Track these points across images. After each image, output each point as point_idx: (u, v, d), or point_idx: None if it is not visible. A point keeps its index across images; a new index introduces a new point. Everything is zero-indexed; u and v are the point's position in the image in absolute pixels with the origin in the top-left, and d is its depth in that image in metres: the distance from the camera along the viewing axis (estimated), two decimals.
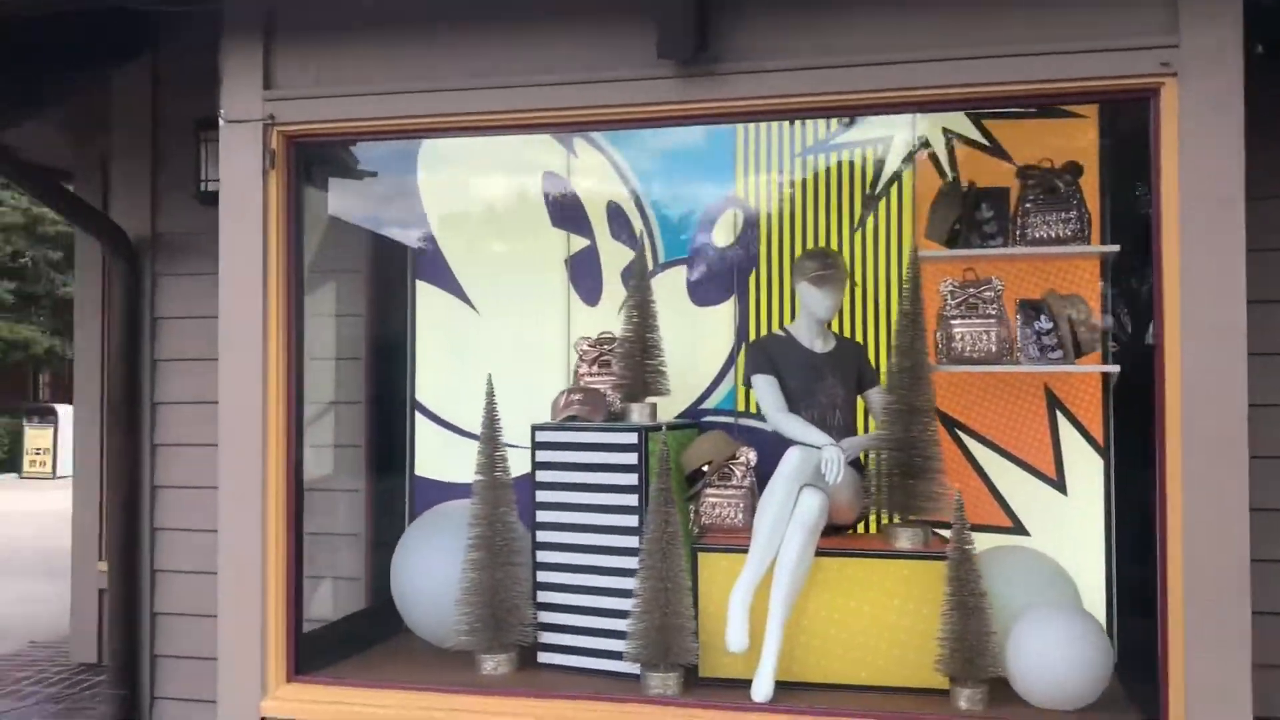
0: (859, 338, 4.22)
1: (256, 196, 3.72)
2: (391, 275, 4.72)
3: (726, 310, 4.37)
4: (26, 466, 17.97)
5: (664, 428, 3.78)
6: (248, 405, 3.73)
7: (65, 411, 18.31)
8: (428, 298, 4.62)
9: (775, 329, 4.22)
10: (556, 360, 4.47)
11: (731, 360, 4.34)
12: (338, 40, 3.71)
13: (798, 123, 4.26)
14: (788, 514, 3.56)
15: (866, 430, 4.09)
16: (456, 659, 3.95)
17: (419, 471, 4.60)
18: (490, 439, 3.90)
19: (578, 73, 3.46)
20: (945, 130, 4.16)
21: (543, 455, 3.91)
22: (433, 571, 4.04)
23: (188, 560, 4.99)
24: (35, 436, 18.05)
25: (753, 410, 4.26)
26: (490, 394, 3.89)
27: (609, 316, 4.39)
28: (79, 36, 4.70)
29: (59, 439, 18.10)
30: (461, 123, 3.63)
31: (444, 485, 4.52)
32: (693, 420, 4.24)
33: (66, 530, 12.62)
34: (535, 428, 3.93)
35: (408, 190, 4.60)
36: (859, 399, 4.04)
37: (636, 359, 3.94)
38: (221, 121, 3.75)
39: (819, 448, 3.62)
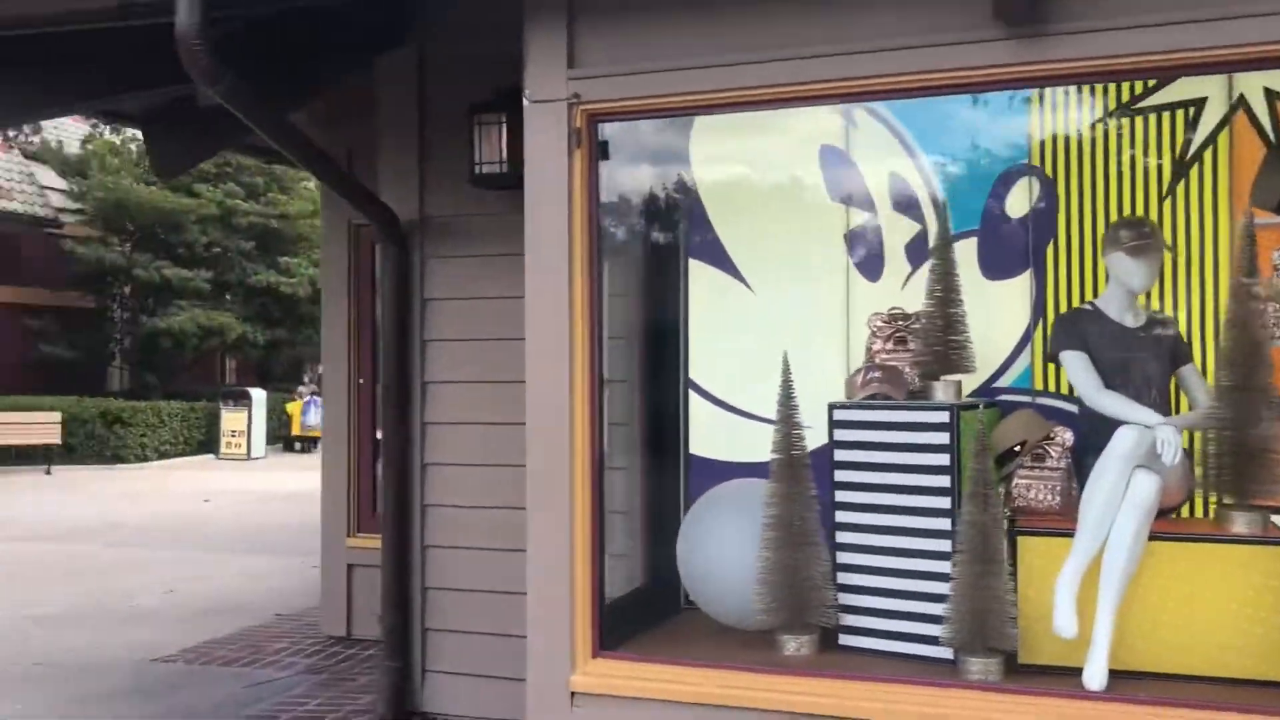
0: (1168, 311, 4.01)
1: (562, 176, 3.74)
2: (662, 253, 4.71)
3: (1021, 284, 4.21)
4: (223, 448, 18.85)
5: (980, 406, 3.66)
6: (554, 385, 3.75)
7: (258, 395, 19.17)
8: (700, 275, 4.59)
9: (1079, 303, 4.05)
10: (835, 337, 4.39)
11: (1028, 336, 4.19)
12: (639, 18, 3.69)
13: (1098, 86, 4.06)
14: (1119, 496, 3.40)
15: (1177, 410, 3.88)
16: (751, 639, 3.92)
17: (693, 450, 4.58)
18: (787, 417, 3.85)
19: (903, 38, 3.35)
20: (1267, 90, 3.91)
21: (842, 434, 3.84)
22: (725, 550, 4.01)
23: (457, 536, 5.09)
24: (231, 419, 18.91)
25: (1051, 388, 4.10)
26: (786, 371, 3.84)
27: (892, 291, 4.28)
28: (349, 29, 4.83)
29: (252, 421, 18.94)
30: (768, 95, 3.56)
31: (719, 464, 4.49)
32: (989, 399, 4.10)
33: (267, 508, 13.21)
34: (833, 406, 3.86)
35: (680, 166, 4.58)
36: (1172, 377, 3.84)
37: (938, 334, 3.83)
38: (526, 102, 3.77)
39: (1149, 427, 3.45)
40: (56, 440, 16.62)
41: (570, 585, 3.72)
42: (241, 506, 13.37)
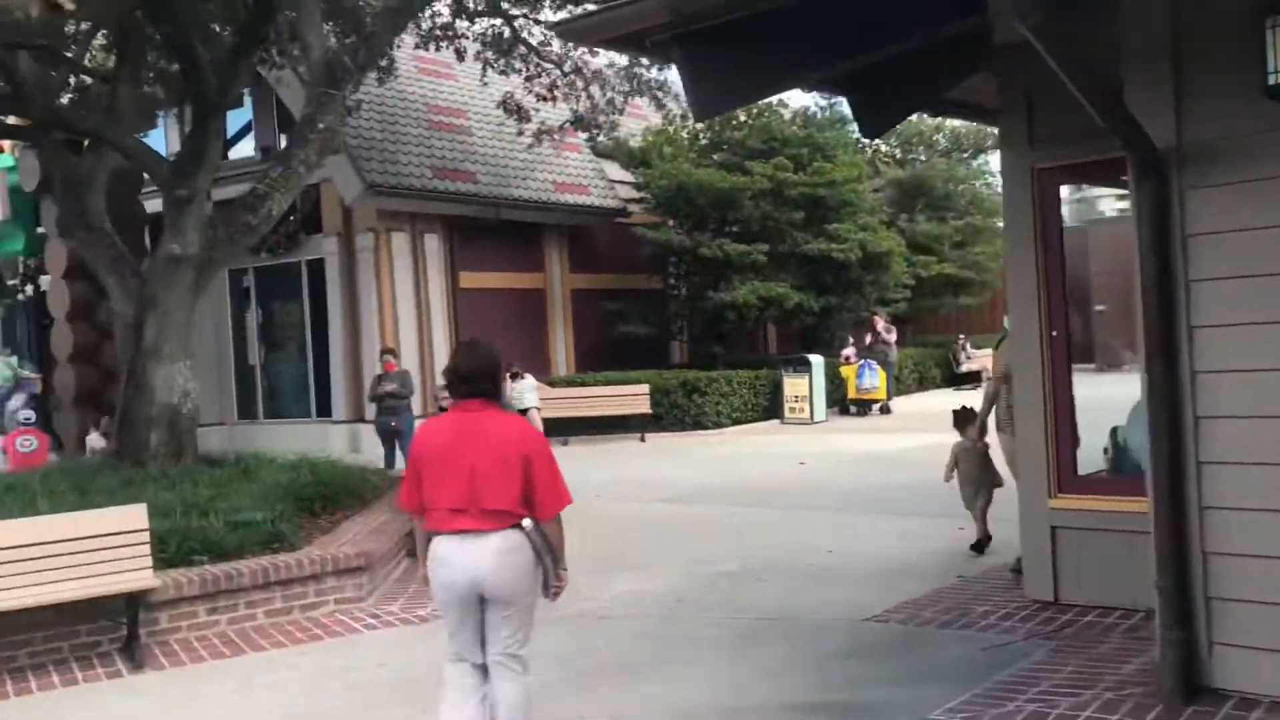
0: None
1: None
2: None
3: None
4: (787, 413, 19.51)
5: None
6: None
7: (817, 361, 19.63)
8: None
9: None
10: None
11: None
12: None
13: None
14: None
15: None
16: None
17: None
18: None
19: None
20: None
21: None
22: None
23: (1243, 497, 4.58)
24: (793, 385, 19.51)
25: None
26: None
27: None
28: None
29: (813, 386, 19.42)
30: None
31: None
32: None
33: (859, 470, 13.29)
34: None
35: None
36: None
37: None
38: None
39: None
40: (647, 410, 18.06)
41: None
42: (832, 468, 13.59)
